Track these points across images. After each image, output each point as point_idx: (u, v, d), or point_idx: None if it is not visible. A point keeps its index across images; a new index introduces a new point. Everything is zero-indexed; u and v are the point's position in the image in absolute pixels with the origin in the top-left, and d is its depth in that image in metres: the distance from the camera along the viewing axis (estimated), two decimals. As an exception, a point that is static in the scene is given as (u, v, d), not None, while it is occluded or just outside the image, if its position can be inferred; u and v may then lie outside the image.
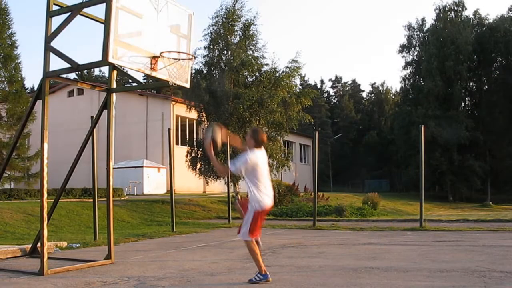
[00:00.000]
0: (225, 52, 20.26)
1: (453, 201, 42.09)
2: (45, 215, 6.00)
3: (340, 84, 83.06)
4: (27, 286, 5.17)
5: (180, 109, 28.91)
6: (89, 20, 6.62)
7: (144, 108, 32.42)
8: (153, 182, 28.07)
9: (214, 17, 20.43)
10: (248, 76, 20.52)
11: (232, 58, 19.74)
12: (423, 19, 49.74)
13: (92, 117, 8.60)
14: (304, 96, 20.54)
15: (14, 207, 13.78)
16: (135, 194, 25.78)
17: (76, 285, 5.20)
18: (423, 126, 12.21)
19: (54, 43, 6.09)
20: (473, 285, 4.79)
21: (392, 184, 58.46)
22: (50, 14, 6.16)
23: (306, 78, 72.76)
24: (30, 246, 7.54)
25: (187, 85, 6.81)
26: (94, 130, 7.62)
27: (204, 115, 20.91)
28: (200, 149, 20.69)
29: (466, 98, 48.93)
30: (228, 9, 20.30)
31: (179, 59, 6.37)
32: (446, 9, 47.68)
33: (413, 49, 50.01)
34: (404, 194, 44.12)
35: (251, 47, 20.42)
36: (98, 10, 6.02)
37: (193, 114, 22.40)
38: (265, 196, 5.15)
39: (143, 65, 6.10)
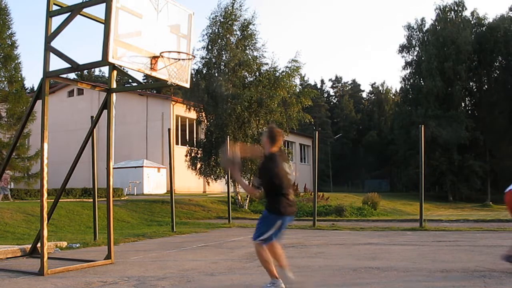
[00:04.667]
0: (223, 52, 20.21)
1: (453, 201, 42.09)
2: (45, 215, 6.00)
3: (340, 84, 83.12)
4: (27, 286, 5.17)
5: (180, 109, 28.92)
6: (89, 20, 6.62)
7: (144, 108, 32.43)
8: (153, 182, 28.09)
9: (213, 17, 20.40)
10: (248, 76, 20.48)
11: (231, 58, 19.70)
12: (422, 19, 49.76)
13: (92, 117, 8.60)
14: (304, 96, 20.52)
15: (14, 207, 13.77)
16: (135, 194, 25.78)
17: (76, 285, 5.20)
18: (423, 126, 12.19)
19: (54, 43, 6.09)
20: (473, 285, 4.79)
21: (392, 184, 58.49)
22: (50, 14, 6.16)
23: (306, 78, 72.84)
24: (30, 246, 7.54)
25: (187, 85, 6.80)
26: (94, 130, 7.62)
27: (203, 115, 20.90)
28: (200, 149, 20.68)
29: (466, 98, 48.93)
30: (225, 9, 20.26)
31: (179, 59, 6.37)
32: (446, 9, 47.68)
33: (413, 49, 50.00)
34: (404, 194, 44.12)
35: (250, 46, 20.38)
36: (98, 10, 6.02)
37: (193, 114, 22.40)
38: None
39: (143, 65, 6.10)
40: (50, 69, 6.15)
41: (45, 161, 6.00)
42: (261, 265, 4.81)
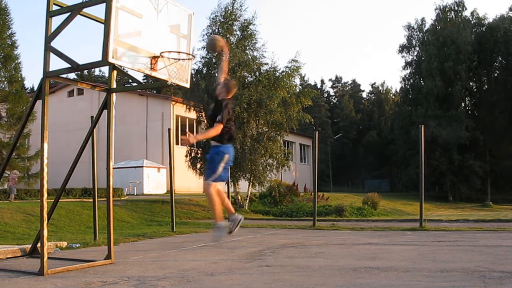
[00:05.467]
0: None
1: (453, 201, 42.13)
2: (45, 215, 6.00)
3: (340, 84, 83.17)
4: (27, 286, 5.17)
5: (180, 109, 28.93)
6: (89, 20, 6.61)
7: (144, 108, 32.44)
8: (153, 182, 28.09)
9: (213, 17, 20.39)
10: (248, 76, 20.47)
11: (231, 58, 19.67)
12: (422, 19, 49.83)
13: (92, 117, 8.60)
14: (304, 96, 20.53)
15: (14, 207, 13.77)
16: (135, 194, 25.80)
17: (76, 285, 5.20)
18: (423, 126, 12.18)
19: (54, 43, 6.09)
20: (473, 285, 4.79)
21: (392, 184, 58.52)
22: (50, 14, 6.15)
23: (306, 78, 72.88)
24: (30, 246, 7.53)
25: (187, 85, 6.81)
26: (94, 130, 7.62)
27: (203, 115, 20.90)
28: (200, 149, 20.68)
29: (466, 98, 48.98)
30: (225, 9, 20.25)
31: (179, 59, 6.37)
32: (446, 9, 47.71)
33: (413, 49, 50.05)
34: (404, 194, 44.14)
35: (250, 46, 20.38)
36: (98, 10, 6.03)
37: (193, 114, 22.42)
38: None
39: (143, 65, 6.09)
40: (50, 69, 6.14)
41: (45, 161, 5.99)
42: (210, 208, 5.44)
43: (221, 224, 5.34)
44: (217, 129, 5.31)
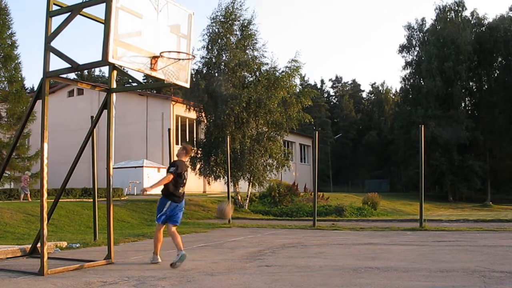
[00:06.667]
0: (223, 52, 20.18)
1: (453, 201, 42.10)
2: (45, 215, 6.00)
3: (340, 84, 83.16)
4: (27, 286, 5.17)
5: (180, 109, 28.92)
6: (89, 20, 6.62)
7: (144, 108, 32.41)
8: (153, 182, 28.03)
9: (213, 17, 20.38)
10: (249, 76, 20.43)
11: (231, 58, 19.66)
12: (423, 19, 49.80)
13: (92, 117, 8.60)
14: (304, 96, 20.51)
15: (14, 207, 13.77)
16: (135, 194, 25.78)
17: (76, 285, 5.20)
18: (423, 126, 12.20)
19: (54, 43, 6.09)
20: (473, 285, 4.79)
21: (392, 184, 58.46)
22: (50, 14, 6.16)
23: (306, 78, 72.88)
24: (30, 246, 7.54)
25: (187, 85, 6.81)
26: (94, 130, 7.62)
27: (203, 115, 20.89)
28: (200, 149, 20.67)
29: (466, 98, 48.94)
30: (226, 9, 20.24)
31: (179, 59, 6.37)
32: (446, 9, 47.70)
33: (413, 49, 50.01)
34: (404, 194, 44.11)
35: (250, 46, 20.37)
36: (98, 10, 6.03)
37: (193, 114, 22.40)
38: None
39: (143, 65, 6.09)
40: (50, 69, 6.15)
41: (45, 161, 6.00)
42: (153, 244, 6.78)
43: (156, 257, 6.71)
44: (168, 178, 6.39)
